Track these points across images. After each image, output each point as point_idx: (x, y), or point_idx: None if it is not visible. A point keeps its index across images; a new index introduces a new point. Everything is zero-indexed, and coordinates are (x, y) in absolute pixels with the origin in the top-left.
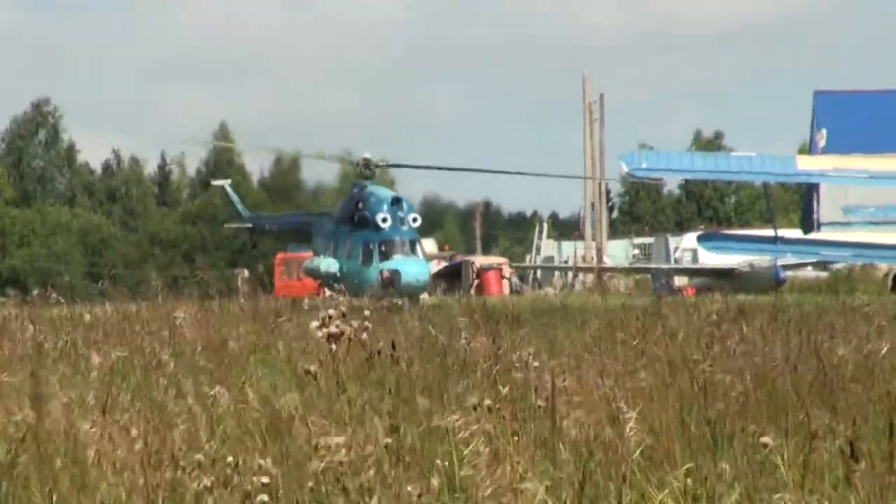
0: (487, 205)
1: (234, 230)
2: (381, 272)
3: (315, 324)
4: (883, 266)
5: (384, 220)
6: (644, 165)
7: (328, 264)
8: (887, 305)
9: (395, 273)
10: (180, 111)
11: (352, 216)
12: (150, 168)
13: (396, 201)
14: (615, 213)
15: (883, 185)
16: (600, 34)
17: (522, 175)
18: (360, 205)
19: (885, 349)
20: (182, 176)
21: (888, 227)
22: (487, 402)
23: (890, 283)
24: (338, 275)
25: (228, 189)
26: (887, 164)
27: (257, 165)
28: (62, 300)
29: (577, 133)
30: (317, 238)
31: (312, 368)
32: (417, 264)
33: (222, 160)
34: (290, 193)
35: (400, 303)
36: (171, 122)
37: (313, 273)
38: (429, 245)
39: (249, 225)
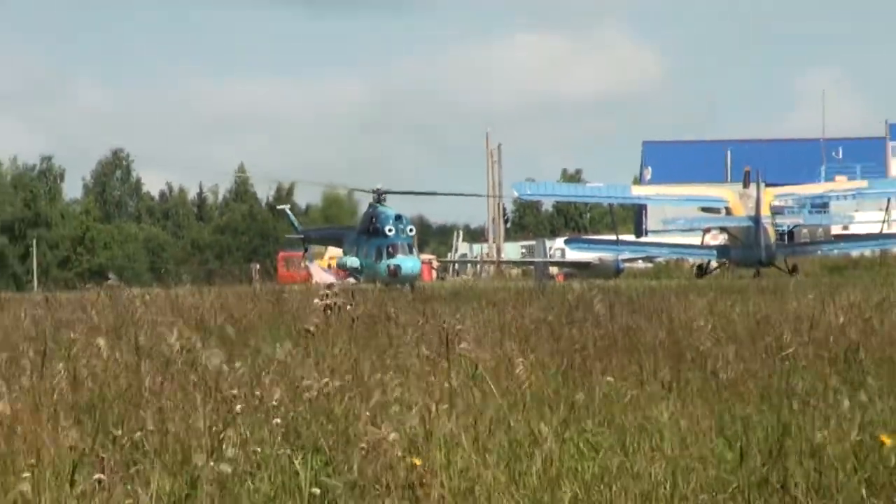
0: (421, 218)
1: (291, 240)
2: (388, 266)
3: (317, 300)
4: (690, 259)
5: (390, 230)
6: (529, 192)
7: (353, 261)
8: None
9: (398, 267)
10: (212, 155)
11: (368, 228)
12: (192, 194)
13: (398, 217)
14: (509, 224)
15: (688, 205)
16: (501, 103)
17: (446, 196)
18: (374, 220)
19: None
20: (214, 200)
21: (692, 233)
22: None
23: (695, 271)
24: (359, 268)
25: (288, 211)
26: (690, 190)
27: (264, 192)
28: (128, 286)
29: (483, 170)
30: (346, 244)
31: (311, 328)
32: (413, 261)
33: (284, 189)
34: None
35: (401, 287)
36: (206, 163)
37: (343, 267)
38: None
39: (302, 236)
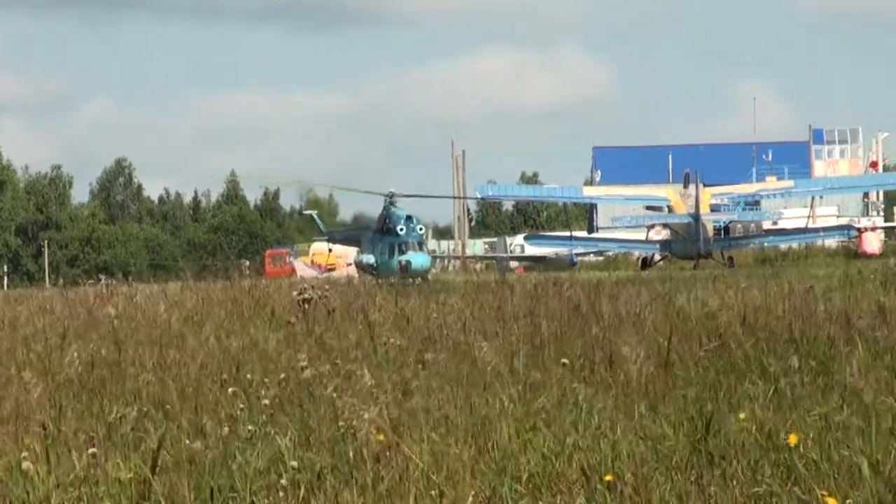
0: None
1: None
2: (399, 262)
3: (295, 293)
4: (636, 253)
5: (401, 229)
6: (490, 193)
7: (368, 258)
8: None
9: (408, 262)
10: (205, 163)
11: (382, 228)
12: (188, 199)
13: (409, 218)
14: (473, 223)
15: (634, 203)
16: (465, 113)
17: (418, 198)
18: (387, 220)
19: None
20: (208, 203)
21: (638, 229)
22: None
23: (640, 264)
24: (374, 265)
25: (315, 216)
26: (636, 191)
27: (253, 195)
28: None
29: (449, 173)
30: (363, 243)
31: (292, 319)
32: (423, 257)
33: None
34: (273, 214)
35: (412, 281)
36: (200, 171)
37: (360, 264)
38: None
39: (326, 237)
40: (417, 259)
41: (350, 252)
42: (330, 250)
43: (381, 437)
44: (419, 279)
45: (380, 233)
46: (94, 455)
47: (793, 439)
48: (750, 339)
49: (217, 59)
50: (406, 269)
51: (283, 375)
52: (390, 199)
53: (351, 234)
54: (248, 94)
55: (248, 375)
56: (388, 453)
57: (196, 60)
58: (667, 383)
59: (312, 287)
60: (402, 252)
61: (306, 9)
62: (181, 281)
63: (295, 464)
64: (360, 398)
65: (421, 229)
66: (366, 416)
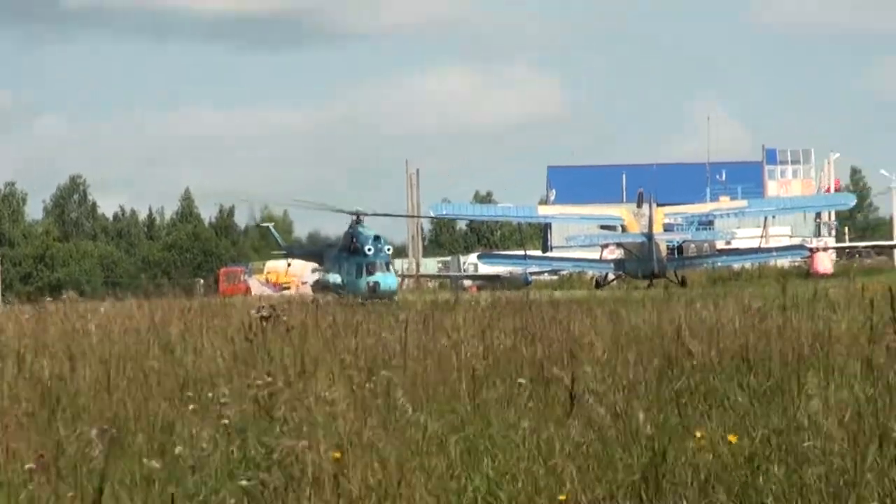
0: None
1: (278, 255)
2: (368, 283)
3: (253, 311)
4: (590, 272)
5: (370, 249)
6: (444, 212)
7: (334, 278)
8: (595, 296)
9: (377, 283)
10: (159, 181)
11: (349, 247)
12: (142, 216)
13: (377, 238)
14: (427, 241)
15: (588, 223)
16: (420, 132)
17: (374, 216)
18: (355, 240)
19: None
20: (162, 220)
21: (592, 249)
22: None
23: (594, 283)
24: (341, 284)
25: (272, 229)
26: (590, 210)
27: (207, 212)
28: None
29: (404, 192)
30: (327, 261)
31: (249, 336)
32: (391, 278)
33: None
34: (228, 231)
35: (379, 302)
36: (154, 188)
37: (325, 284)
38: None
39: (285, 252)
40: (386, 280)
41: (305, 271)
42: (289, 265)
43: (338, 455)
44: (386, 300)
45: (346, 252)
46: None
47: (746, 457)
48: (702, 359)
49: (171, 76)
50: (375, 289)
51: (239, 393)
52: (357, 217)
53: (313, 250)
54: (201, 111)
55: (209, 393)
56: (344, 472)
57: (150, 77)
58: (625, 403)
59: (271, 305)
60: (369, 272)
61: (260, 26)
62: (136, 298)
63: (245, 482)
64: (317, 416)
65: (389, 249)
66: (322, 433)
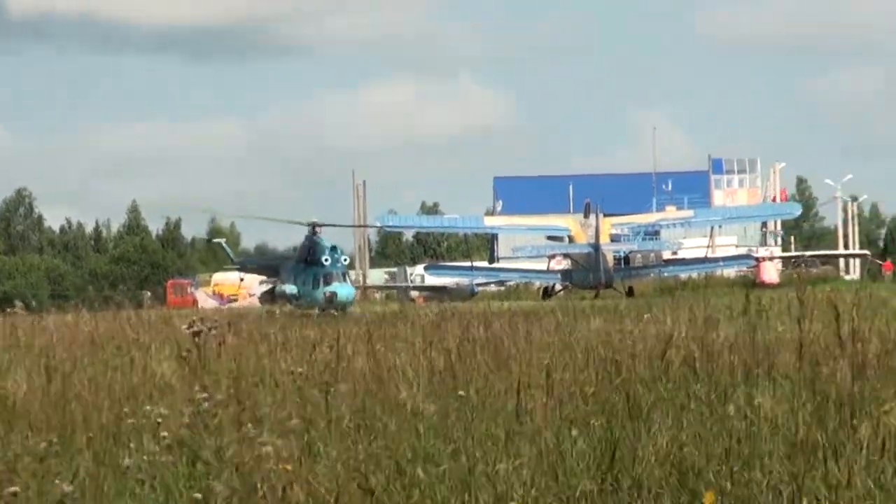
0: (294, 248)
1: (228, 269)
2: (325, 293)
3: (185, 327)
4: (537, 283)
5: (326, 260)
6: (391, 223)
7: (291, 289)
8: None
9: (334, 294)
10: (106, 195)
11: (306, 258)
12: (89, 229)
13: (334, 248)
14: (374, 253)
15: (535, 233)
16: (366, 143)
17: (322, 226)
18: (311, 251)
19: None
20: (108, 233)
21: (538, 260)
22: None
23: (541, 294)
24: (297, 295)
25: (224, 244)
26: (537, 221)
27: (155, 225)
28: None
29: (349, 203)
30: (283, 272)
31: (184, 354)
32: (348, 288)
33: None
34: (175, 244)
35: (335, 312)
36: (101, 201)
37: (282, 295)
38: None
39: (238, 266)
40: (343, 290)
41: (253, 283)
42: (242, 279)
43: (288, 468)
44: (341, 310)
45: (303, 263)
46: None
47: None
48: (650, 368)
49: (117, 88)
50: (332, 300)
51: (179, 407)
52: (313, 228)
53: (269, 263)
54: (147, 124)
55: (147, 407)
56: (293, 484)
57: (95, 89)
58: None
59: (202, 319)
60: (326, 283)
61: (205, 39)
62: (81, 312)
63: (199, 496)
64: (262, 428)
65: (345, 260)
66: (268, 447)
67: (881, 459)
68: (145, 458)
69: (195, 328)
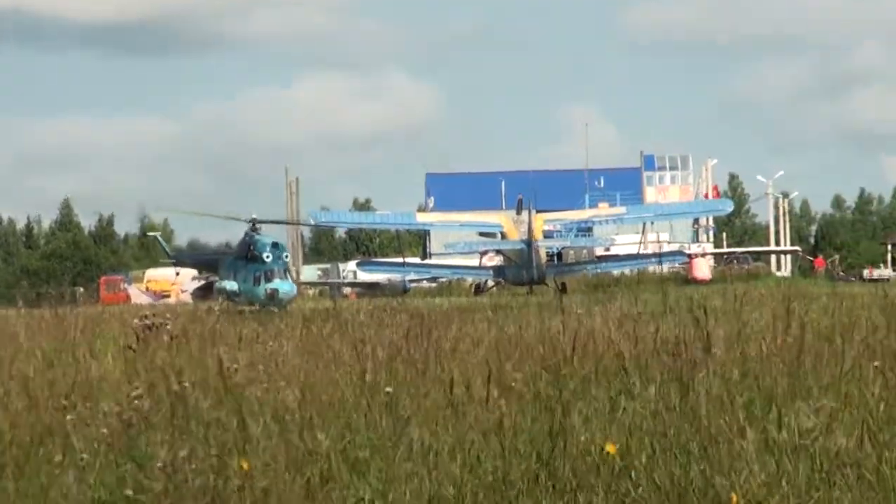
0: (228, 244)
1: (164, 263)
2: (266, 290)
3: (136, 320)
4: (469, 279)
5: (267, 256)
6: (324, 219)
7: (231, 285)
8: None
9: (275, 290)
10: (37, 189)
11: (246, 254)
12: (21, 225)
13: (275, 244)
14: (307, 249)
15: (467, 230)
16: (297, 139)
17: (262, 223)
18: (252, 247)
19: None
20: (40, 230)
21: (471, 256)
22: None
23: (474, 290)
24: (237, 292)
25: (159, 238)
26: (469, 217)
27: (87, 221)
28: None
29: (281, 200)
30: (222, 269)
31: (133, 345)
32: (289, 285)
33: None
34: (108, 240)
35: (276, 309)
36: (33, 196)
37: (222, 292)
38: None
39: (174, 260)
40: (284, 287)
41: (185, 279)
42: (177, 273)
43: (245, 465)
44: (281, 307)
45: (244, 259)
46: None
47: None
48: (583, 364)
49: (45, 83)
50: (273, 296)
51: (121, 404)
52: (253, 225)
53: (204, 258)
54: (76, 118)
55: (87, 404)
56: (245, 483)
57: (22, 83)
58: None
59: (154, 314)
60: (268, 280)
61: (133, 33)
62: (14, 308)
63: (131, 493)
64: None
65: (287, 256)
66: (212, 441)
67: None
68: (84, 456)
69: (147, 322)
